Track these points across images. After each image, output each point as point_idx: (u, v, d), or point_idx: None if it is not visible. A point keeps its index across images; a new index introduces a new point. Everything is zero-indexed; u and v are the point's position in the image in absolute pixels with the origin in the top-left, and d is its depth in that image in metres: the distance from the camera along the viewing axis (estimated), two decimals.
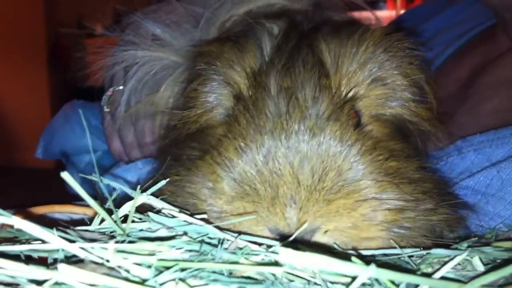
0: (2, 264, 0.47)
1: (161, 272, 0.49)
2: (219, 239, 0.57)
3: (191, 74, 0.85)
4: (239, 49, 0.77)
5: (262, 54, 0.75)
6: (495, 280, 0.50)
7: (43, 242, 0.51)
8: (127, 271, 0.49)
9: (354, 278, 0.47)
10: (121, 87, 1.14)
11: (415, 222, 0.65)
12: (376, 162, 0.65)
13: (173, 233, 0.58)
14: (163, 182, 0.65)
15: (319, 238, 0.62)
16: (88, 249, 0.50)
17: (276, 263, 0.51)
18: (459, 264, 0.58)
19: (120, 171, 1.09)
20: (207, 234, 0.58)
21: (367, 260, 0.51)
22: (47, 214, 0.81)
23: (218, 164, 0.66)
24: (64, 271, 0.45)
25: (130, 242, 0.55)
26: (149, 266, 0.50)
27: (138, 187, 0.63)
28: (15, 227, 0.52)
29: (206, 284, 0.49)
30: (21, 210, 0.77)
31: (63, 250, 0.51)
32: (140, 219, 0.61)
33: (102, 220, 0.60)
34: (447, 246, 0.64)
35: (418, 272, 0.55)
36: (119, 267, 0.49)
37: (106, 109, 1.22)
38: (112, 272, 0.48)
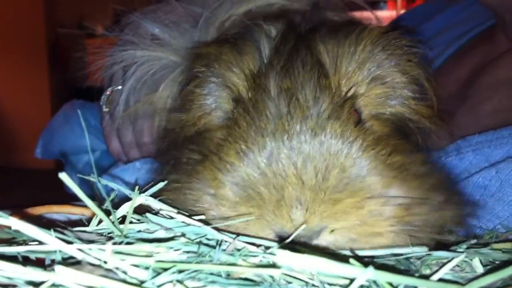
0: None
1: (158, 273, 0.49)
2: (217, 241, 0.57)
3: (189, 76, 0.85)
4: (237, 51, 0.76)
5: (261, 56, 0.75)
6: (493, 282, 0.50)
7: (41, 243, 0.51)
8: (125, 273, 0.49)
9: (352, 280, 0.47)
10: (120, 87, 1.14)
11: (424, 217, 0.64)
12: (379, 157, 0.64)
13: (171, 234, 0.58)
14: (161, 184, 0.65)
15: (326, 237, 0.61)
16: (86, 251, 0.50)
17: (274, 265, 0.51)
18: (458, 265, 0.58)
19: (118, 171, 1.09)
20: (205, 235, 0.58)
21: (365, 262, 0.51)
22: (45, 214, 0.80)
23: (219, 169, 0.65)
24: (61, 273, 0.45)
25: (128, 243, 0.55)
26: (147, 268, 0.49)
27: (137, 188, 0.63)
28: (12, 228, 0.52)
29: (204, 286, 0.49)
30: (19, 211, 0.77)
31: (60, 251, 0.51)
32: (138, 220, 0.61)
33: (100, 221, 0.60)
34: (446, 248, 0.63)
35: (416, 274, 0.55)
36: (117, 268, 0.49)
37: (105, 109, 1.22)
38: (109, 273, 0.48)
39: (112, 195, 0.64)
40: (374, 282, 0.49)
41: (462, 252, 0.60)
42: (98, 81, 1.23)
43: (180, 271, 0.49)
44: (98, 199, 0.64)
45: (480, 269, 0.56)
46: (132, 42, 1.08)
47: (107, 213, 0.59)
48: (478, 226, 0.79)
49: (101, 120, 1.25)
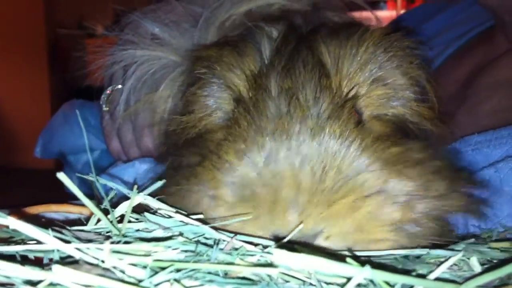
0: None
1: (156, 272, 0.49)
2: (215, 240, 0.57)
3: (189, 79, 0.85)
4: (238, 53, 0.76)
5: (262, 57, 0.75)
6: (490, 281, 0.50)
7: (39, 242, 0.51)
8: (123, 272, 0.49)
9: (349, 279, 0.47)
10: (120, 86, 1.14)
11: (426, 215, 0.63)
12: (377, 152, 0.63)
13: (169, 234, 0.58)
14: (160, 183, 0.65)
15: (322, 243, 0.60)
16: (84, 250, 0.50)
17: (271, 264, 0.51)
18: (455, 264, 0.58)
19: (117, 170, 1.09)
20: (203, 234, 0.58)
21: (362, 261, 0.51)
22: (43, 213, 0.80)
23: (218, 169, 0.65)
24: (59, 272, 0.45)
25: (126, 242, 0.55)
26: (145, 267, 0.49)
27: (135, 187, 0.63)
28: (10, 227, 0.52)
29: (202, 285, 0.49)
30: (17, 210, 0.77)
31: (58, 250, 0.51)
32: (137, 219, 0.61)
33: (99, 220, 0.60)
34: (443, 247, 0.63)
35: (414, 273, 0.55)
36: (115, 267, 0.49)
37: (105, 108, 1.22)
38: (107, 273, 0.48)
39: (111, 195, 0.64)
40: (371, 281, 0.49)
41: (460, 250, 0.60)
42: (98, 80, 1.23)
43: (178, 270, 0.49)
44: (97, 199, 0.64)
45: (477, 268, 0.56)
46: (132, 42, 1.08)
47: (106, 212, 0.59)
48: (477, 225, 0.79)
49: (101, 119, 1.25)
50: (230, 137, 0.67)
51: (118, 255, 0.50)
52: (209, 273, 0.50)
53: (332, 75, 0.71)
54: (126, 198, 0.62)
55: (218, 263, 0.52)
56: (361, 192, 0.61)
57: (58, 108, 1.57)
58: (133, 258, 0.50)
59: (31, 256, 0.54)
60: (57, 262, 0.50)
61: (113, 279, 0.47)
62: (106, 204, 0.61)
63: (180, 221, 0.60)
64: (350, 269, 0.46)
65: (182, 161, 0.75)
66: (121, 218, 0.60)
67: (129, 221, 0.60)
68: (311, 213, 0.60)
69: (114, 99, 1.18)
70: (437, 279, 0.51)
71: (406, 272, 0.55)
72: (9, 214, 0.59)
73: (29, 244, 0.53)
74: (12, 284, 0.47)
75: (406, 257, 0.61)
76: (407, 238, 0.63)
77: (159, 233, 0.59)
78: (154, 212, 0.63)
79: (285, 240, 0.58)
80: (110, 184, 0.65)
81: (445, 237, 0.66)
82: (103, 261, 0.49)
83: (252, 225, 0.61)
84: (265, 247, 0.57)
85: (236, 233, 0.59)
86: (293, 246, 0.55)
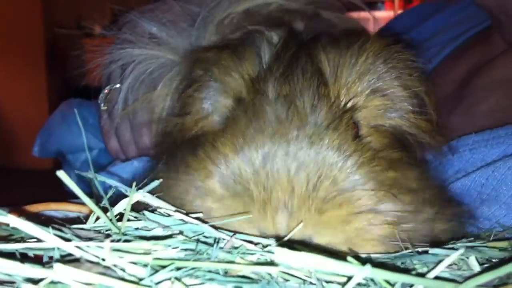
0: None
1: (156, 271, 0.49)
2: (215, 238, 0.57)
3: (187, 80, 0.85)
4: (237, 56, 0.76)
5: (261, 62, 0.74)
6: (490, 280, 0.50)
7: (39, 240, 0.51)
8: (123, 270, 0.49)
9: (349, 278, 0.47)
10: (118, 85, 1.14)
11: (414, 233, 0.64)
12: (373, 172, 0.63)
13: (169, 232, 0.58)
14: (157, 182, 0.65)
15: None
16: (84, 248, 0.50)
17: (271, 263, 0.51)
18: (455, 264, 0.58)
19: (115, 169, 1.09)
20: (203, 233, 0.58)
21: (362, 259, 0.51)
22: (43, 211, 0.80)
23: (211, 159, 0.64)
24: (60, 270, 0.45)
25: (125, 241, 0.55)
26: (145, 265, 0.49)
27: (134, 184, 0.63)
28: (11, 225, 0.52)
29: (202, 283, 0.49)
30: (17, 208, 0.77)
31: (58, 248, 0.51)
32: (136, 217, 0.61)
33: (98, 218, 0.60)
34: (442, 246, 0.63)
35: (413, 272, 0.55)
36: (115, 266, 0.49)
37: (103, 107, 1.22)
38: (107, 271, 0.48)
39: (110, 192, 0.64)
40: (372, 280, 0.49)
41: (459, 250, 0.60)
42: (96, 79, 1.23)
43: (178, 269, 0.49)
44: (95, 197, 0.64)
45: (476, 267, 0.56)
46: (130, 41, 1.08)
47: (105, 210, 0.59)
48: (475, 225, 0.79)
49: (99, 118, 1.25)
50: (228, 131, 0.67)
51: (119, 253, 0.50)
52: (210, 271, 0.50)
53: (330, 84, 0.70)
54: (125, 196, 0.62)
55: (219, 261, 0.52)
56: (353, 207, 0.61)
57: (56, 108, 1.57)
58: (134, 256, 0.50)
59: (30, 254, 0.54)
60: (57, 260, 0.50)
61: (114, 277, 0.47)
62: (105, 202, 0.61)
63: (180, 220, 0.60)
64: (351, 267, 0.46)
65: (177, 159, 0.75)
66: (120, 216, 0.60)
67: (128, 220, 0.60)
68: (300, 217, 0.60)
69: (112, 98, 1.18)
70: (437, 278, 0.51)
71: (406, 271, 0.55)
72: (9, 212, 0.59)
73: (29, 242, 0.53)
74: (13, 282, 0.47)
75: (405, 256, 0.61)
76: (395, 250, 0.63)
77: (159, 231, 0.59)
78: (153, 210, 0.63)
79: (286, 238, 0.58)
80: (109, 181, 0.65)
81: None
82: (103, 259, 0.49)
83: (239, 221, 0.61)
84: (265, 246, 0.57)
85: (235, 232, 0.59)
86: (293, 244, 0.55)
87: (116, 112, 1.14)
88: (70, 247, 0.50)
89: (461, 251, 0.55)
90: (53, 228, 0.54)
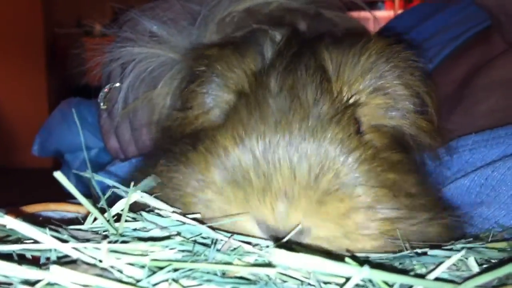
0: None
1: (154, 272, 0.49)
2: (213, 239, 0.57)
3: (189, 76, 0.85)
4: (240, 53, 0.76)
5: (264, 59, 0.75)
6: (489, 281, 0.50)
7: (36, 241, 0.51)
8: (120, 272, 0.49)
9: (348, 279, 0.47)
10: (118, 84, 1.14)
11: (411, 232, 0.64)
12: (374, 172, 0.64)
13: (167, 233, 0.58)
14: (151, 179, 0.65)
15: (309, 241, 0.61)
16: (81, 249, 0.50)
17: (269, 264, 0.51)
18: (454, 264, 0.58)
19: (114, 168, 1.09)
20: (200, 234, 0.58)
21: (361, 260, 0.51)
22: (41, 212, 0.80)
23: (210, 152, 0.64)
24: (57, 272, 0.45)
25: (123, 242, 0.54)
26: (142, 267, 0.49)
27: (132, 184, 0.63)
28: (7, 226, 0.52)
29: (200, 285, 0.49)
30: (14, 209, 0.77)
31: (55, 250, 0.51)
32: (134, 218, 0.61)
33: (95, 219, 0.60)
34: (442, 247, 0.63)
35: (412, 273, 0.55)
36: (112, 267, 0.49)
37: (102, 106, 1.22)
38: (105, 272, 0.48)
39: (108, 193, 0.64)
40: (370, 281, 0.49)
41: (458, 251, 0.60)
42: (96, 78, 1.23)
43: (176, 270, 0.49)
44: (94, 197, 0.63)
45: (475, 268, 0.56)
46: (130, 39, 1.08)
47: (103, 211, 0.59)
48: (475, 225, 0.79)
49: (99, 117, 1.25)
50: (229, 123, 0.67)
51: (116, 255, 0.50)
52: (207, 272, 0.50)
53: (333, 80, 0.71)
54: (123, 196, 0.62)
55: (216, 263, 0.52)
56: (354, 203, 0.61)
57: (56, 107, 1.57)
58: (131, 257, 0.50)
59: (28, 255, 0.54)
60: (54, 261, 0.50)
61: (111, 279, 0.46)
62: (103, 203, 0.61)
63: (177, 221, 0.60)
64: (349, 269, 0.46)
65: (177, 154, 0.75)
66: (118, 217, 0.60)
67: (126, 220, 0.59)
68: (299, 207, 0.60)
69: (112, 97, 1.17)
70: (436, 279, 0.51)
71: (405, 272, 0.55)
72: (6, 213, 0.59)
73: (26, 243, 0.53)
74: (10, 284, 0.47)
75: (404, 257, 0.60)
76: (392, 248, 0.63)
77: (156, 232, 0.58)
78: (150, 211, 0.63)
79: (285, 239, 0.58)
80: (106, 181, 0.65)
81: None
82: (100, 261, 0.49)
83: (238, 207, 0.61)
84: (262, 247, 0.57)
85: (233, 233, 0.59)
86: (291, 245, 0.55)
87: (116, 111, 1.13)
88: (67, 249, 0.50)
89: (462, 252, 0.55)
90: (50, 229, 0.54)
